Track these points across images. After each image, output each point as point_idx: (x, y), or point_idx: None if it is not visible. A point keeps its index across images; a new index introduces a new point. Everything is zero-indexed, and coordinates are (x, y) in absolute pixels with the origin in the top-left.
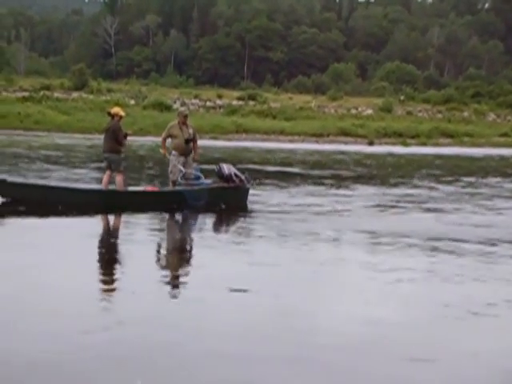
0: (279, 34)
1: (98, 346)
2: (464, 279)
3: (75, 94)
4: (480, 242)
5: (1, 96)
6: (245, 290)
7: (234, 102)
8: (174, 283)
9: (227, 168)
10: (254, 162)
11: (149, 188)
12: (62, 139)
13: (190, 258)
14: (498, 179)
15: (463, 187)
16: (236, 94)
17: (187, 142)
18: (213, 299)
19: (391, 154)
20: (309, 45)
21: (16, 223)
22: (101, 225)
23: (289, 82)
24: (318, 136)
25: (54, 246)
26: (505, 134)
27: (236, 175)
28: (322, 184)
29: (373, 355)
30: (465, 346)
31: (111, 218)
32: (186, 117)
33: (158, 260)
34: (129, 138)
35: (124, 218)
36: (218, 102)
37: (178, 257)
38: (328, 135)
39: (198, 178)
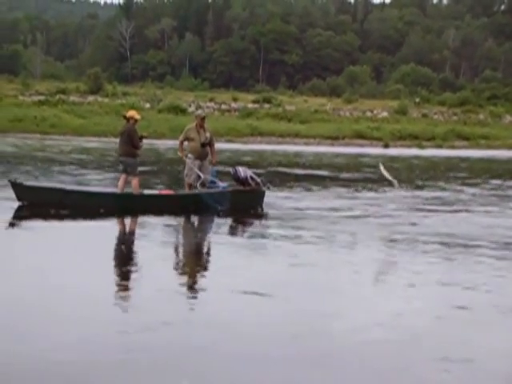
0: (294, 37)
1: (135, 348)
2: None
3: (91, 98)
4: None
5: (17, 100)
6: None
7: (249, 105)
8: (197, 287)
9: (243, 171)
10: (283, 165)
11: (164, 191)
12: (90, 143)
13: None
14: None
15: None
16: (251, 96)
17: (203, 145)
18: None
19: (416, 157)
20: (324, 47)
21: (33, 226)
22: (119, 228)
23: (304, 85)
24: (333, 139)
25: (74, 249)
26: None
27: (252, 178)
28: (352, 187)
29: None
30: None
31: (128, 222)
32: (203, 119)
33: (179, 263)
34: (145, 140)
35: (141, 221)
36: (233, 105)
37: (211, 260)
38: (343, 138)
39: (213, 182)
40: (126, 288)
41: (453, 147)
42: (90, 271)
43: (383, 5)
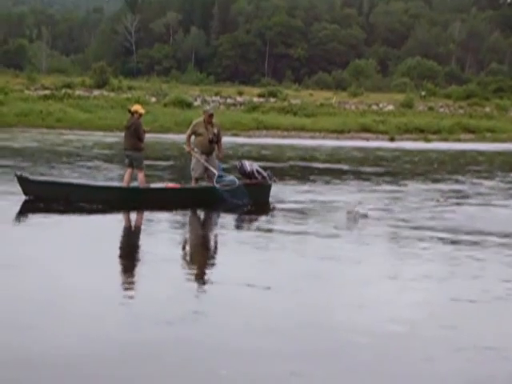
0: (299, 31)
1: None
2: None
3: (96, 92)
4: None
5: (23, 94)
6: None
7: (255, 99)
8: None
9: (249, 165)
10: (303, 159)
11: (170, 185)
12: (110, 138)
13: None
14: None
15: None
16: (256, 90)
17: (211, 142)
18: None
19: (434, 150)
20: (329, 41)
21: (40, 220)
22: (125, 223)
23: (309, 79)
24: (338, 132)
25: (79, 243)
26: None
27: (258, 172)
28: (372, 180)
29: None
30: None
31: (135, 216)
32: (211, 116)
33: (186, 257)
34: (148, 135)
35: (147, 215)
36: (239, 98)
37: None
38: (349, 131)
39: (220, 176)
40: (133, 283)
41: (459, 140)
42: (96, 267)
43: None
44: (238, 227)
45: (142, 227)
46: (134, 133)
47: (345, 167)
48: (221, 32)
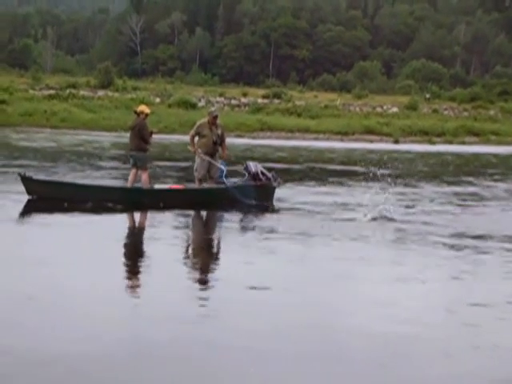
0: (304, 32)
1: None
2: None
3: (101, 92)
4: None
5: (28, 94)
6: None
7: (259, 100)
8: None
9: (254, 166)
10: (318, 161)
11: (174, 186)
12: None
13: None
14: None
15: None
16: (261, 92)
17: (215, 143)
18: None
19: (447, 153)
20: (334, 43)
21: (42, 221)
22: (128, 223)
23: (314, 80)
24: (342, 134)
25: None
26: None
27: (263, 173)
28: (389, 182)
29: None
30: None
31: (138, 216)
32: (216, 117)
33: (190, 258)
34: (154, 136)
35: (150, 215)
36: (243, 100)
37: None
38: (353, 133)
39: (221, 176)
40: (137, 283)
41: (463, 143)
42: (100, 267)
43: (394, 0)
44: (243, 228)
45: (145, 228)
46: (139, 133)
47: (361, 169)
48: (226, 33)
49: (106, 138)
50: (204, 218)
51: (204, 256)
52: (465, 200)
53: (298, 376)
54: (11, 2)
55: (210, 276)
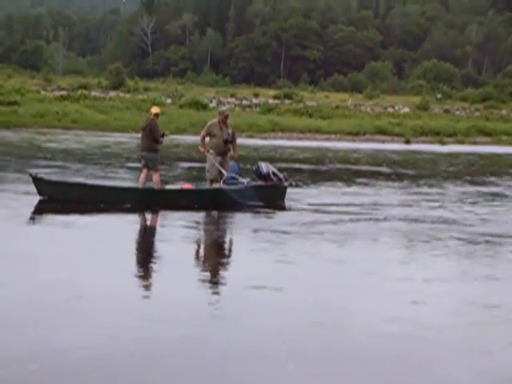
0: (315, 33)
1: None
2: None
3: (112, 93)
4: None
5: (39, 95)
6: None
7: (271, 101)
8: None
9: (265, 167)
10: (345, 162)
11: (185, 186)
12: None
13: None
14: None
15: None
16: (272, 92)
17: (226, 142)
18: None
19: (470, 153)
20: (345, 43)
21: (54, 221)
22: (139, 224)
23: (325, 81)
24: (354, 134)
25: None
26: None
27: (274, 174)
28: (414, 182)
29: None
30: None
31: (149, 217)
32: (226, 117)
33: (201, 258)
34: (166, 138)
35: (162, 215)
36: (254, 100)
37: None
38: (364, 134)
39: (233, 178)
40: (148, 283)
41: (475, 143)
42: (111, 267)
43: (405, 0)
44: (255, 229)
45: (157, 228)
46: (150, 134)
47: (386, 170)
48: (237, 34)
49: (130, 139)
50: (216, 217)
51: (216, 256)
52: (492, 200)
53: (313, 377)
54: (23, 3)
55: (222, 276)
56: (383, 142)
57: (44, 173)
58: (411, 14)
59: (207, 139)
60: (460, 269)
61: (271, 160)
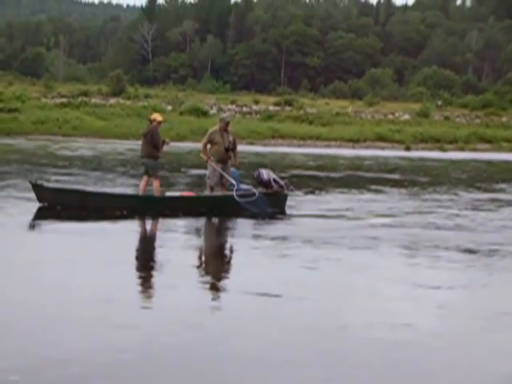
0: (316, 40)
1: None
2: None
3: (112, 100)
4: None
5: (40, 102)
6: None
7: (271, 108)
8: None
9: (266, 173)
10: (357, 169)
11: (185, 193)
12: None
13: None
14: None
15: None
16: (272, 99)
17: (227, 150)
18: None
19: (478, 160)
20: (345, 50)
21: (53, 228)
22: (140, 231)
23: (325, 88)
24: (354, 141)
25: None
26: None
27: (275, 181)
28: (428, 189)
29: None
30: None
31: (149, 224)
32: (227, 124)
33: (202, 265)
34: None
35: (162, 223)
36: (255, 107)
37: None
38: (365, 141)
39: (233, 185)
40: (149, 290)
41: (475, 150)
42: (113, 274)
43: (405, 7)
44: (256, 236)
45: (157, 235)
46: (151, 140)
47: (398, 177)
48: (237, 41)
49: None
50: (216, 224)
51: (216, 263)
52: (508, 206)
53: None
54: (24, 10)
55: (223, 282)
56: (383, 148)
57: (70, 182)
58: (411, 21)
59: (209, 146)
60: (484, 276)
61: (285, 167)
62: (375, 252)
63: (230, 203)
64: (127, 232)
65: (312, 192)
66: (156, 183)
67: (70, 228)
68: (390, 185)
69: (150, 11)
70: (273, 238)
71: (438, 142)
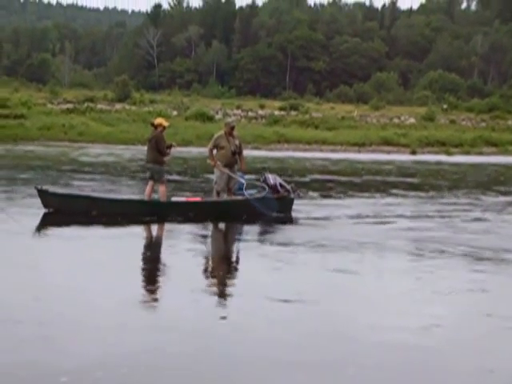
0: (321, 44)
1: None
2: None
3: (118, 106)
4: None
5: (46, 108)
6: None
7: (276, 112)
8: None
9: (272, 178)
10: (377, 173)
11: (191, 199)
12: (185, 153)
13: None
14: None
15: None
16: (278, 104)
17: (233, 153)
18: None
19: (503, 165)
20: (351, 54)
21: (60, 234)
22: (146, 237)
23: (331, 92)
24: (360, 145)
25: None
26: None
27: (281, 185)
28: (450, 193)
29: None
30: None
31: (155, 229)
32: (233, 128)
33: (209, 270)
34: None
35: (168, 228)
36: (260, 112)
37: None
38: (370, 144)
39: (240, 189)
40: (156, 296)
41: (481, 153)
42: (119, 281)
43: (410, 11)
44: (262, 240)
45: (163, 240)
46: (156, 146)
47: (417, 181)
48: (242, 45)
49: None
50: (223, 230)
51: (224, 268)
52: None
53: None
54: (29, 16)
55: (231, 288)
56: (389, 152)
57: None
58: (416, 25)
59: (215, 151)
60: None
61: (307, 171)
62: (423, 257)
63: (236, 208)
64: (132, 237)
65: (335, 196)
66: (162, 188)
67: (76, 234)
68: (411, 189)
69: (155, 17)
70: (302, 244)
71: (443, 145)
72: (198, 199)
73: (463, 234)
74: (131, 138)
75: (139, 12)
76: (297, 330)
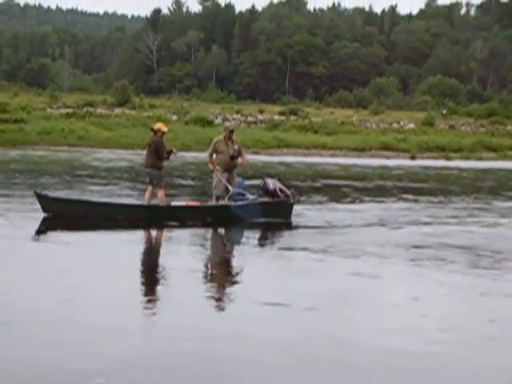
0: (320, 49)
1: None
2: None
3: (118, 110)
4: None
5: (45, 113)
6: None
7: (276, 117)
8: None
9: (272, 183)
10: (388, 179)
11: (191, 203)
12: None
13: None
14: None
15: None
16: (277, 108)
17: (232, 158)
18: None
19: (506, 170)
20: (350, 59)
21: (58, 239)
22: (145, 241)
23: (330, 97)
24: (359, 150)
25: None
26: None
27: (281, 190)
28: (464, 198)
29: None
30: None
31: (155, 234)
32: (231, 132)
33: (208, 275)
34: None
35: (167, 232)
36: (260, 117)
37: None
38: (370, 149)
39: (241, 194)
40: (155, 300)
41: (480, 159)
42: (119, 285)
43: (410, 16)
44: (262, 245)
45: (162, 245)
46: (155, 151)
47: (428, 186)
48: (242, 50)
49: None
50: (223, 234)
51: (223, 272)
52: None
53: None
54: (29, 21)
55: (229, 292)
56: (388, 157)
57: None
58: (416, 30)
59: (214, 156)
60: None
61: (319, 176)
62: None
63: (233, 213)
64: (130, 242)
65: (349, 201)
66: (160, 193)
67: (75, 239)
68: (423, 194)
69: (154, 21)
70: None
71: (443, 150)
72: (197, 203)
73: (480, 239)
74: (131, 142)
75: (139, 17)
76: (296, 334)
